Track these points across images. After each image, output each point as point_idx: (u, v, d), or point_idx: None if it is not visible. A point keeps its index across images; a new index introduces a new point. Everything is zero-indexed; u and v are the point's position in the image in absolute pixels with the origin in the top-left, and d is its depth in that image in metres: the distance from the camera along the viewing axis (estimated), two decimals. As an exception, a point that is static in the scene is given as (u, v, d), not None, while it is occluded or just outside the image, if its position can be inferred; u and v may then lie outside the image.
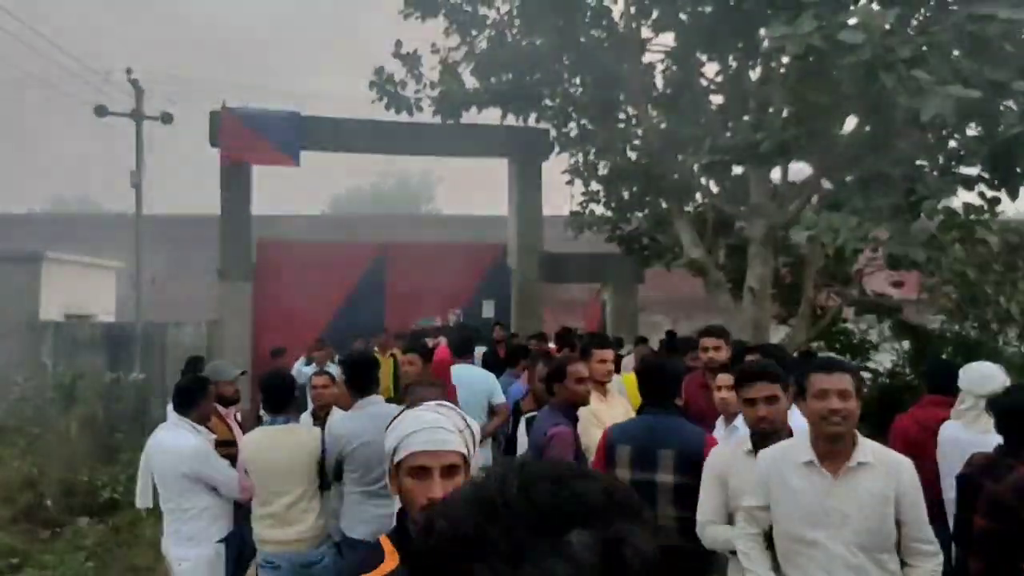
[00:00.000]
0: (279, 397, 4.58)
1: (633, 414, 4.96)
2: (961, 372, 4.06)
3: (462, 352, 6.41)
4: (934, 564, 2.76)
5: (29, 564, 6.57)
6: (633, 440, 3.38)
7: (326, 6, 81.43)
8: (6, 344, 12.18)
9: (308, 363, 9.59)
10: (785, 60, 7.54)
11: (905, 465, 2.78)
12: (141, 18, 75.29)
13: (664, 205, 10.71)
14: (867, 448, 2.78)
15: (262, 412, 5.66)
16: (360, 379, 4.49)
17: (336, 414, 4.90)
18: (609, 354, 5.06)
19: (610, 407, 4.88)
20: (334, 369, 7.43)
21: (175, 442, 4.42)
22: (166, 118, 15.93)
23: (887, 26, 5.48)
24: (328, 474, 4.44)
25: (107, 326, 13.42)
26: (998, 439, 3.35)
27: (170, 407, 4.66)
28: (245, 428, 5.40)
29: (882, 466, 2.74)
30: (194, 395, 4.60)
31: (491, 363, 7.25)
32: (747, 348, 5.47)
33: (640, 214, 11.71)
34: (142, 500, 4.89)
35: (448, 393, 4.68)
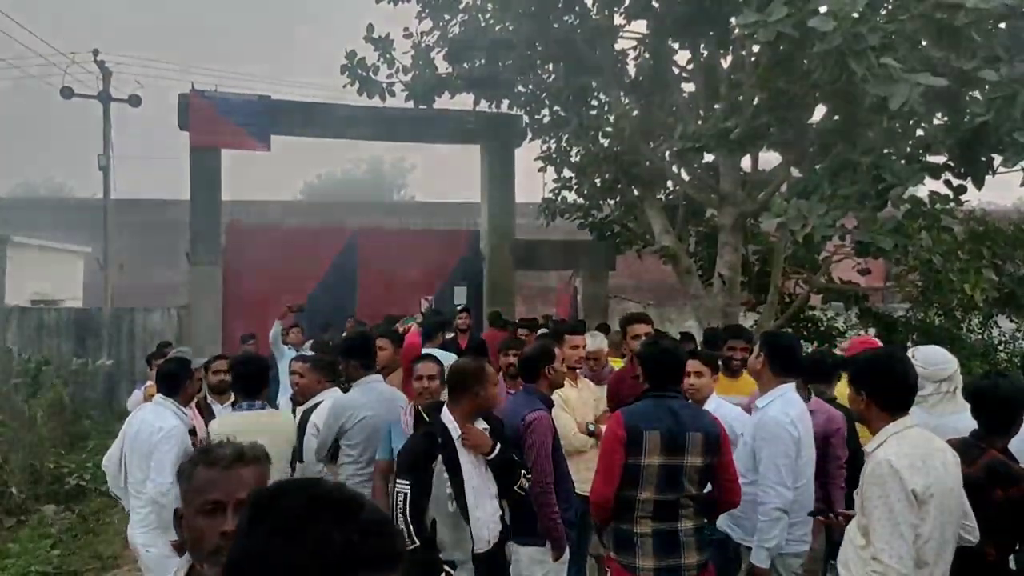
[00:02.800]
0: (253, 382, 4.55)
1: (605, 401, 5.01)
2: (915, 359, 3.95)
3: (432, 336, 6.65)
4: None
5: (-7, 552, 6.49)
6: (662, 425, 3.39)
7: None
8: (-31, 330, 11.99)
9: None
10: (756, 48, 7.58)
11: None
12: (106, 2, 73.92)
13: (636, 192, 10.75)
14: None
15: (211, 400, 5.58)
16: (363, 358, 4.64)
17: (329, 394, 4.91)
18: (581, 339, 5.11)
19: (580, 393, 4.91)
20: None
21: (154, 419, 4.42)
22: (134, 100, 15.71)
23: (856, 13, 5.52)
24: (320, 453, 4.42)
25: (74, 311, 13.23)
26: (963, 422, 3.39)
27: (135, 392, 4.63)
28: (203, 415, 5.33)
29: None
30: (179, 377, 4.62)
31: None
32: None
33: (612, 201, 11.76)
34: (114, 483, 4.83)
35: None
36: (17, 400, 9.84)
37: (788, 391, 3.93)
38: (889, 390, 2.93)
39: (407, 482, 3.45)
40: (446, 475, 3.50)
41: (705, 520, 3.54)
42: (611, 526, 3.51)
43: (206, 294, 11.85)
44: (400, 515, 3.41)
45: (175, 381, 4.61)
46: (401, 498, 3.43)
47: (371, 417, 4.32)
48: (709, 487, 3.52)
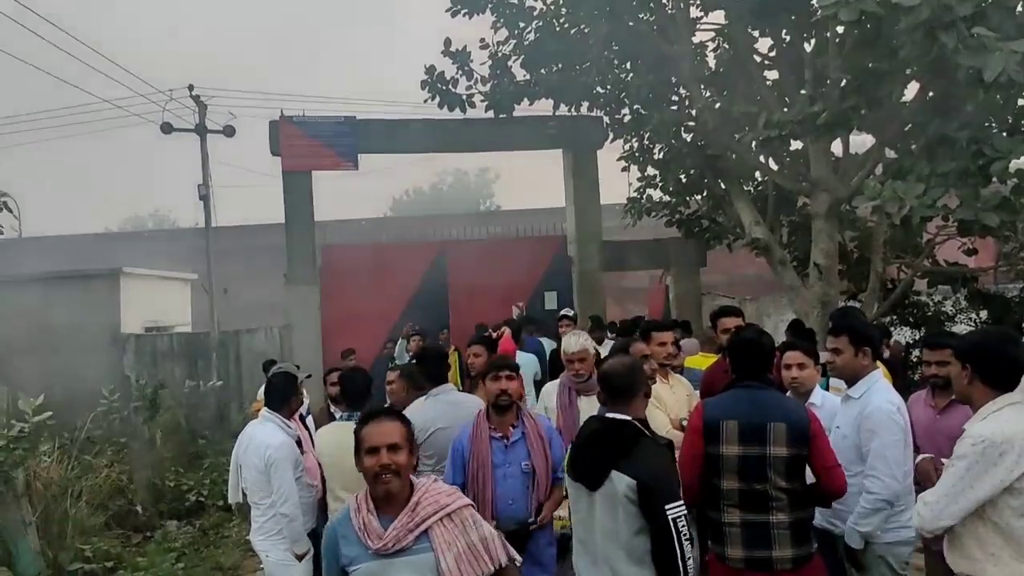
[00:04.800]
0: (356, 393, 4.76)
1: (697, 397, 4.94)
2: None
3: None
4: None
5: (123, 567, 6.86)
6: (741, 415, 3.35)
7: (374, 11, 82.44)
8: (91, 358, 12.69)
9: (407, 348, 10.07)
10: (840, 29, 7.36)
11: None
12: (197, 38, 77.38)
13: (723, 185, 10.57)
14: None
15: (334, 410, 5.84)
16: (433, 370, 4.77)
17: (413, 403, 5.03)
18: (668, 336, 5.06)
19: (672, 390, 4.86)
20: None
21: (263, 436, 4.66)
22: (228, 131, 16.36)
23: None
24: None
25: (184, 336, 13.86)
26: None
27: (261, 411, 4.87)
28: (318, 427, 5.55)
29: None
30: (284, 391, 4.86)
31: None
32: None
33: (699, 196, 11.59)
34: (233, 495, 5.09)
35: None
36: (137, 423, 10.38)
37: (879, 377, 3.80)
38: (997, 369, 2.92)
39: (680, 504, 3.04)
40: None
41: (806, 513, 3.43)
42: (706, 515, 3.48)
43: (305, 313, 12.26)
44: (686, 542, 2.98)
45: (281, 395, 4.84)
46: (683, 523, 3.01)
47: (443, 429, 4.42)
48: (812, 479, 3.42)
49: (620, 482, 3.01)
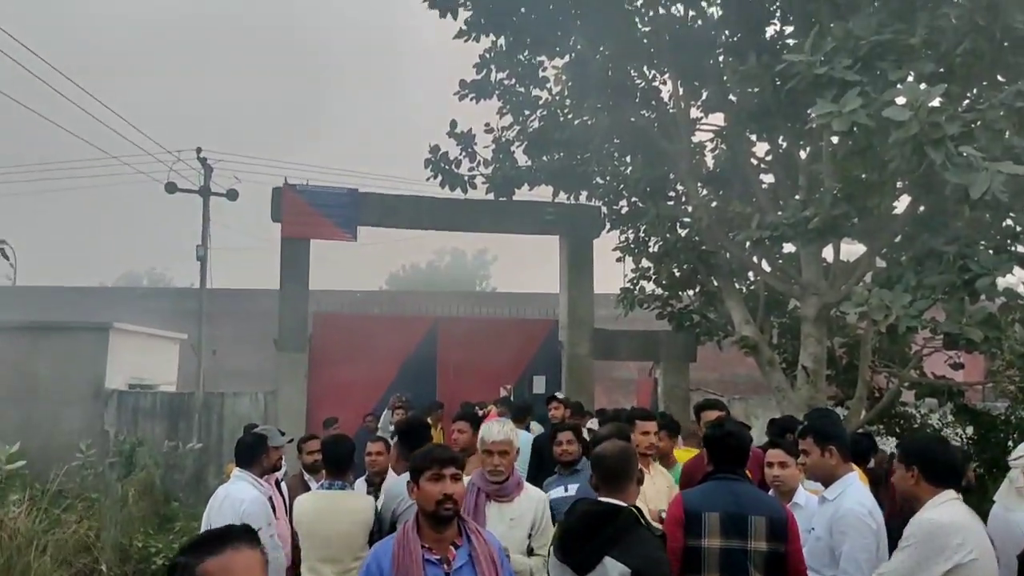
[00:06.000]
0: (339, 462, 4.72)
1: (676, 488, 4.92)
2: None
3: (520, 419, 7.32)
4: None
5: (80, 627, 6.66)
6: (721, 507, 3.32)
7: (383, 89, 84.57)
8: (72, 411, 12.56)
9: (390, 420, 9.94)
10: (834, 139, 7.60)
11: None
12: (208, 100, 79.13)
13: (715, 282, 10.70)
14: None
15: (308, 478, 5.79)
16: (414, 442, 4.62)
17: (391, 476, 5.01)
18: (652, 425, 5.06)
19: (654, 480, 4.84)
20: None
21: (236, 492, 4.68)
22: (231, 195, 16.58)
23: (934, 103, 5.52)
24: (383, 534, 4.49)
25: (168, 395, 13.75)
26: None
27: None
28: (291, 495, 5.50)
29: None
30: (254, 449, 4.95)
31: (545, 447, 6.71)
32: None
33: (691, 291, 11.70)
34: None
35: None
36: (111, 479, 10.21)
37: (854, 480, 3.81)
38: (940, 470, 3.37)
39: None
40: None
41: None
42: None
43: (292, 380, 12.20)
44: None
45: (250, 454, 4.94)
46: None
47: None
48: None
49: (613, 569, 2.90)
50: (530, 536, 3.93)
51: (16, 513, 7.17)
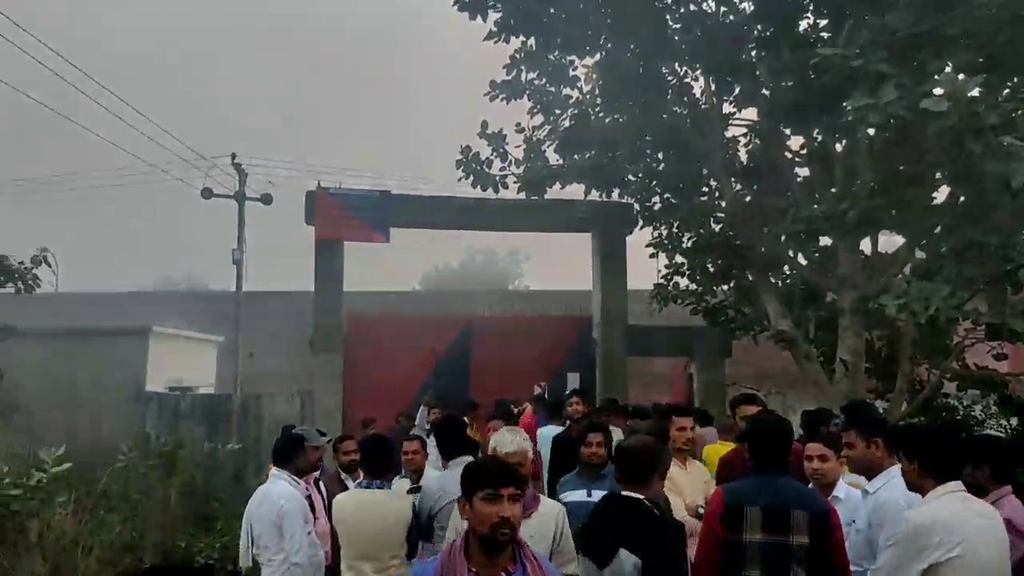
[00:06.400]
0: (378, 461, 4.73)
1: (713, 483, 4.89)
2: None
3: (555, 416, 7.49)
4: None
5: (126, 626, 6.79)
6: (763, 501, 3.29)
7: (414, 92, 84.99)
8: (113, 414, 12.79)
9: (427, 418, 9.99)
10: (871, 131, 7.49)
11: None
12: (243, 106, 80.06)
13: (750, 277, 10.61)
14: None
15: (344, 477, 5.85)
16: (448, 440, 4.76)
17: (428, 474, 5.05)
18: (688, 421, 5.05)
19: (689, 475, 4.82)
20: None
21: (276, 490, 4.85)
22: (266, 199, 16.78)
23: (972, 93, 5.42)
24: (420, 532, 4.52)
25: (207, 397, 13.97)
26: None
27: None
28: (329, 494, 5.56)
29: None
30: (290, 450, 5.14)
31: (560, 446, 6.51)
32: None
33: (725, 286, 11.61)
34: (244, 559, 5.14)
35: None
36: (154, 480, 10.38)
37: (897, 473, 3.77)
38: (941, 462, 3.31)
39: None
40: None
41: None
42: None
43: (328, 381, 12.33)
44: None
45: (284, 453, 5.13)
46: None
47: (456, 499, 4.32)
48: None
49: (627, 560, 3.00)
50: (551, 553, 3.61)
51: (63, 515, 7.31)
